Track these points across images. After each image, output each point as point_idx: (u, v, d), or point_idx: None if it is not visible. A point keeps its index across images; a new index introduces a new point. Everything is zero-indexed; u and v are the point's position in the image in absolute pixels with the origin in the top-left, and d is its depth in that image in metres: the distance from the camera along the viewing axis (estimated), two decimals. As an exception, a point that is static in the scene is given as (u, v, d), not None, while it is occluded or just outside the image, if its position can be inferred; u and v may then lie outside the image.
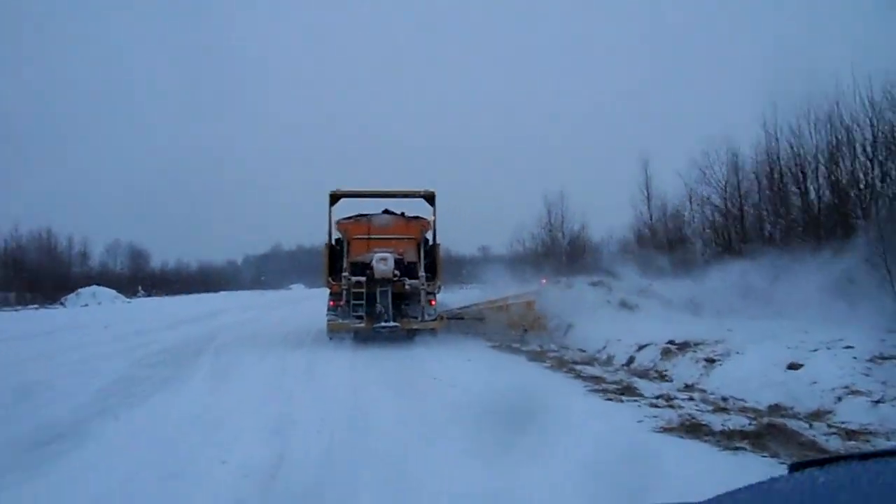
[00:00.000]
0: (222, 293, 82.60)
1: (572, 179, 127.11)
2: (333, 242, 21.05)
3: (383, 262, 18.99)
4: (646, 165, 34.38)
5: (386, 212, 21.47)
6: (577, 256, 38.93)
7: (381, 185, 23.16)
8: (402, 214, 21.05)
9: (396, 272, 19.02)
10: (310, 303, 38.65)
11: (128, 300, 60.09)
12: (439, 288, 20.73)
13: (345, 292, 19.02)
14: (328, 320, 19.49)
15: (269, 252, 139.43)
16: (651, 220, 33.54)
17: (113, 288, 61.47)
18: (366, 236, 20.14)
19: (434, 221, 21.31)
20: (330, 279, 20.22)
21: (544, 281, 20.91)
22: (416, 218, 21.02)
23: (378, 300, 18.83)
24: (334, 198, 21.38)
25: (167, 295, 74.71)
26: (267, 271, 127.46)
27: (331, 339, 19.97)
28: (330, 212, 21.40)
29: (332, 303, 19.69)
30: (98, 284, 61.38)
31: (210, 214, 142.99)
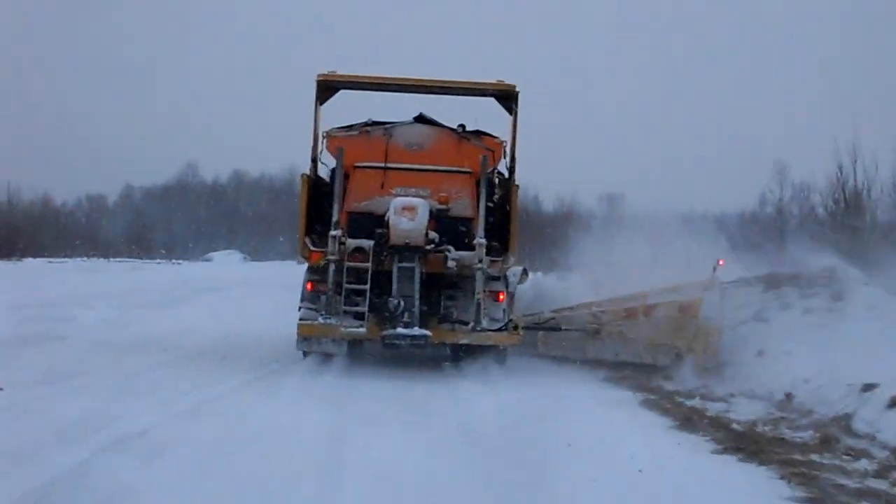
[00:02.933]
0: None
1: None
2: (316, 174, 12.95)
3: (409, 215, 11.42)
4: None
5: (420, 119, 12.77)
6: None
7: (412, 73, 13.24)
8: (454, 128, 12.59)
9: (434, 235, 11.68)
10: (253, 301, 23.02)
11: None
12: (520, 271, 13.64)
13: (333, 267, 11.53)
14: (300, 319, 11.85)
15: (172, 183, 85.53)
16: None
17: None
18: (380, 164, 12.26)
19: (513, 143, 12.74)
20: (308, 242, 12.12)
21: (721, 263, 12.24)
22: (478, 135, 12.63)
23: (395, 285, 11.53)
24: (326, 88, 12.82)
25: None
26: (170, 220, 76.12)
27: (305, 355, 12.21)
28: (316, 115, 12.77)
29: (309, 286, 12.13)
30: None
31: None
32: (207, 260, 61.88)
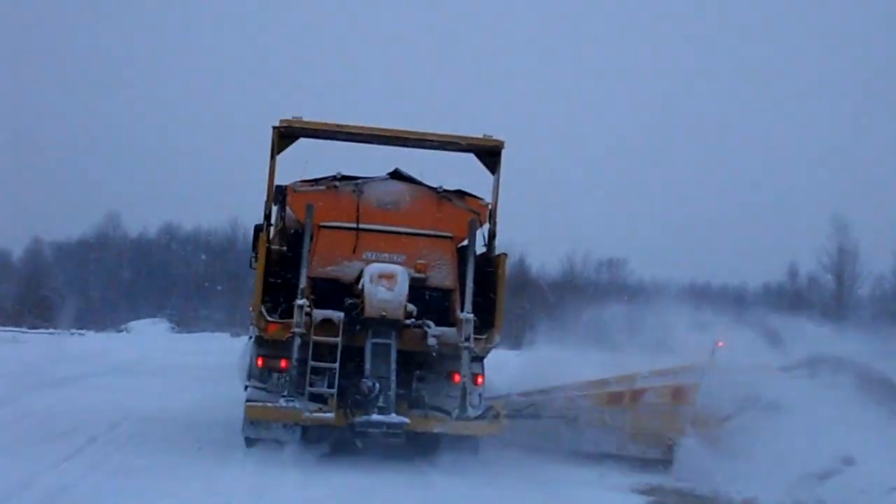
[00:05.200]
0: None
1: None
2: (276, 233, 11.79)
3: (387, 283, 10.43)
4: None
5: (395, 175, 11.72)
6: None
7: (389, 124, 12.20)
8: (433, 187, 11.61)
9: (411, 307, 10.58)
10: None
11: None
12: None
13: (296, 342, 10.25)
14: (248, 400, 10.58)
15: (89, 236, 73.24)
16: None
17: None
18: (351, 225, 11.17)
19: (495, 205, 11.82)
20: (263, 311, 10.82)
21: (721, 344, 11.53)
22: (460, 195, 11.66)
23: (369, 364, 10.38)
24: (285, 136, 11.64)
25: None
26: (86, 281, 65.67)
27: (249, 443, 10.81)
28: (272, 166, 11.60)
29: (260, 362, 10.88)
30: None
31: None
32: (122, 331, 51.96)
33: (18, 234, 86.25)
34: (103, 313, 57.62)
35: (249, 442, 10.70)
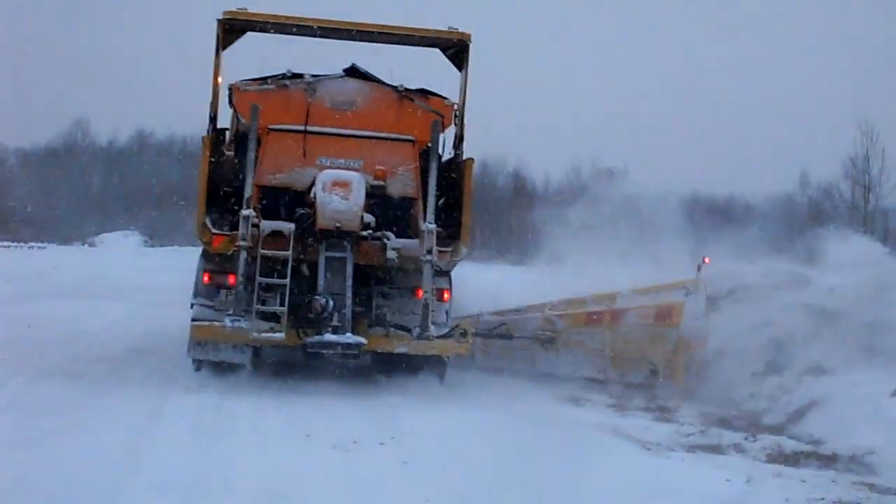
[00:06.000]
0: None
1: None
2: (223, 136, 11.27)
3: (341, 192, 9.58)
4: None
5: (352, 73, 10.76)
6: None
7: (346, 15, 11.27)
8: (394, 85, 10.67)
9: (369, 218, 9.90)
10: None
11: None
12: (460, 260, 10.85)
13: (243, 256, 9.49)
14: (194, 319, 9.90)
15: (56, 144, 69.10)
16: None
17: None
18: (301, 127, 10.23)
19: (462, 106, 10.97)
20: (208, 222, 10.15)
21: (707, 260, 10.71)
22: (423, 94, 10.71)
23: (322, 280, 9.67)
24: (231, 29, 10.81)
25: None
26: (46, 188, 61.09)
27: (197, 365, 10.20)
28: (217, 63, 10.82)
29: (206, 277, 10.19)
30: None
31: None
32: (88, 244, 49.25)
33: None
34: (71, 225, 54.74)
35: (197, 364, 10.04)
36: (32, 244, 43.16)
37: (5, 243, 41.89)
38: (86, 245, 48.74)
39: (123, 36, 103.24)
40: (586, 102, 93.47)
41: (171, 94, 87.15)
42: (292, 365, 10.76)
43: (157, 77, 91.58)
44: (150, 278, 23.99)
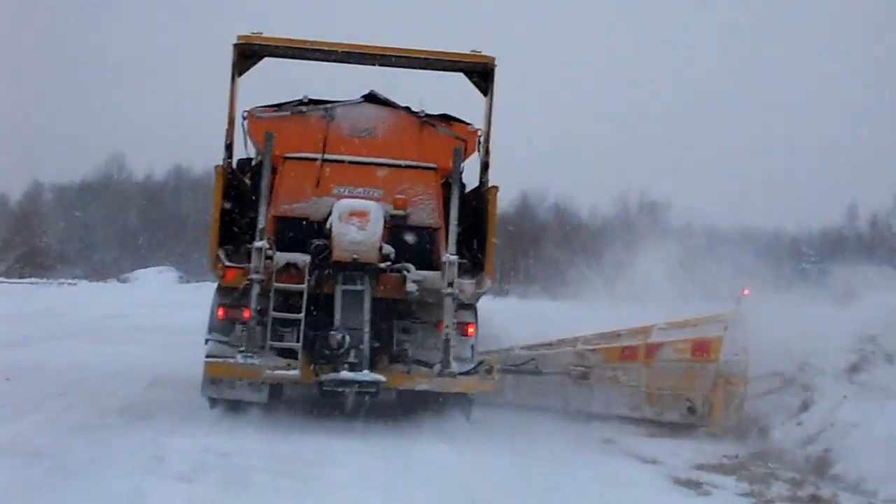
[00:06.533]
0: None
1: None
2: (232, 166, 10.87)
3: (358, 222, 9.31)
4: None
5: (371, 99, 10.55)
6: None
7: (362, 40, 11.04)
8: (414, 111, 10.46)
9: (388, 249, 9.58)
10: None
11: None
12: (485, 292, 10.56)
13: (257, 289, 9.32)
14: (208, 356, 9.47)
15: (92, 179, 69.05)
16: None
17: None
18: (318, 155, 10.06)
19: (487, 132, 10.71)
20: (221, 255, 9.92)
21: (747, 292, 10.42)
22: (445, 120, 10.51)
23: (339, 314, 9.44)
24: (246, 54, 10.56)
25: None
26: (81, 224, 61.46)
27: (212, 403, 9.81)
28: (233, 90, 10.46)
29: (221, 312, 9.84)
30: None
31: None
32: (123, 281, 48.84)
33: (17, 176, 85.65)
34: (106, 262, 55.39)
35: (212, 402, 9.69)
36: (63, 280, 43.06)
37: (34, 280, 41.95)
38: (121, 282, 48.46)
39: (159, 70, 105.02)
40: (632, 132, 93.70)
41: (207, 127, 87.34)
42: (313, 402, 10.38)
43: (195, 110, 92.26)
44: (173, 316, 23.01)
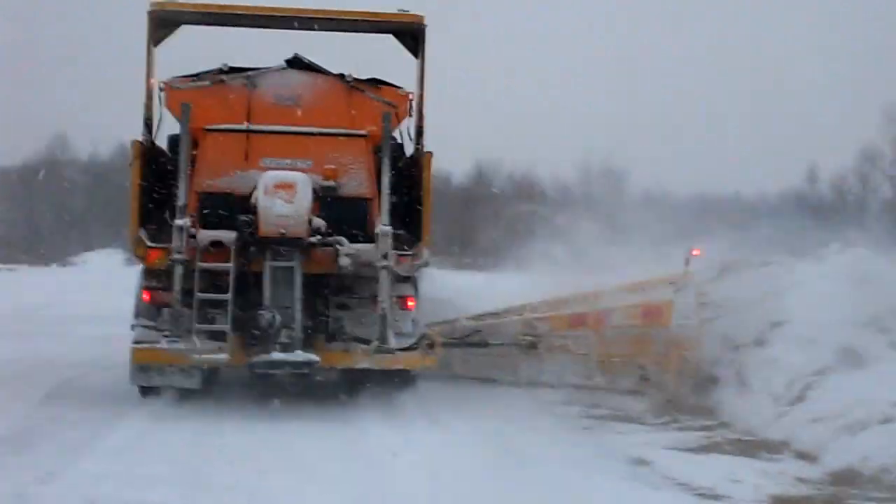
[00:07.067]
0: None
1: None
2: (153, 141, 10.42)
3: (285, 195, 9.00)
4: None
5: (295, 64, 10.16)
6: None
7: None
8: (341, 75, 10.13)
9: (319, 222, 9.27)
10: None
11: None
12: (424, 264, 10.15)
13: (180, 270, 9.02)
14: (135, 342, 9.19)
15: (36, 161, 64.48)
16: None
17: None
18: (241, 126, 9.71)
19: (420, 96, 10.42)
20: (143, 236, 9.55)
21: (696, 252, 10.06)
22: (374, 84, 10.16)
23: (268, 293, 9.14)
24: (162, 23, 10.15)
25: None
26: (24, 207, 59.74)
27: (144, 392, 9.49)
28: (149, 60, 10.11)
29: (146, 296, 9.52)
30: None
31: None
32: (62, 265, 47.11)
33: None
34: (55, 245, 53.74)
35: (143, 391, 9.36)
36: (0, 266, 40.91)
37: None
38: (65, 266, 47.33)
39: (99, 45, 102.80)
40: (590, 99, 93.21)
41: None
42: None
43: (134, 87, 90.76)
44: (111, 303, 18.97)
